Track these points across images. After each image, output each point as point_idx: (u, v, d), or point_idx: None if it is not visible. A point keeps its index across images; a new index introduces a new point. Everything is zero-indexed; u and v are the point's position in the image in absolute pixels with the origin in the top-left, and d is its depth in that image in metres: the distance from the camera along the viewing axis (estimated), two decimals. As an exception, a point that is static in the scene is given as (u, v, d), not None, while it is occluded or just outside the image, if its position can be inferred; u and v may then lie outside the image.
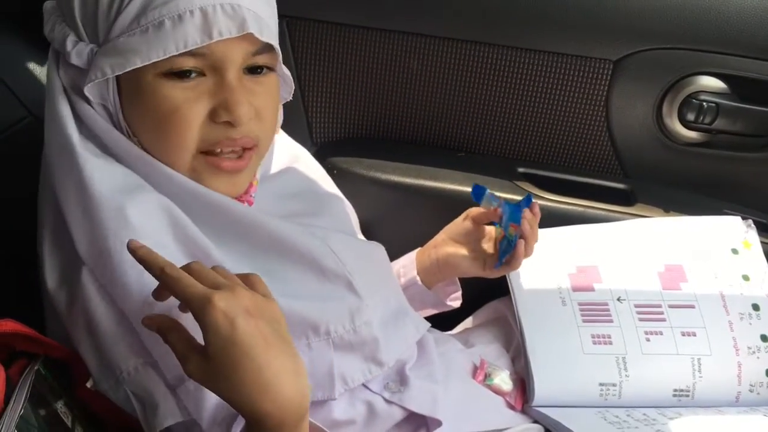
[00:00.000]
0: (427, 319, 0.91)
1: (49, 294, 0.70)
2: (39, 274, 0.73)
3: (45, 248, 0.71)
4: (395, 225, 0.97)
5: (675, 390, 0.91)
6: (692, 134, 1.11)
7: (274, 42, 0.69)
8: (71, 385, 0.70)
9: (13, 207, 0.79)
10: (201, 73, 0.67)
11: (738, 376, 0.92)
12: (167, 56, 0.64)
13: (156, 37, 0.64)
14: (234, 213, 0.71)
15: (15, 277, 0.83)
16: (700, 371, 0.91)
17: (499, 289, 0.99)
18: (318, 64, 1.14)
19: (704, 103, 1.08)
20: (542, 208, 1.10)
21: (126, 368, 0.65)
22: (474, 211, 0.94)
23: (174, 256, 0.67)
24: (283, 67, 0.74)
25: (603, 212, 1.10)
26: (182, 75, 0.66)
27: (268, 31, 0.68)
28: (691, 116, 1.09)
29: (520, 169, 1.16)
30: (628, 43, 1.07)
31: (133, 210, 0.66)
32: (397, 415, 0.79)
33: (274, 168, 0.85)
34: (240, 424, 0.65)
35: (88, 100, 0.69)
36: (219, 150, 0.69)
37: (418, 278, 0.96)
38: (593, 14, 1.06)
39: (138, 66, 0.65)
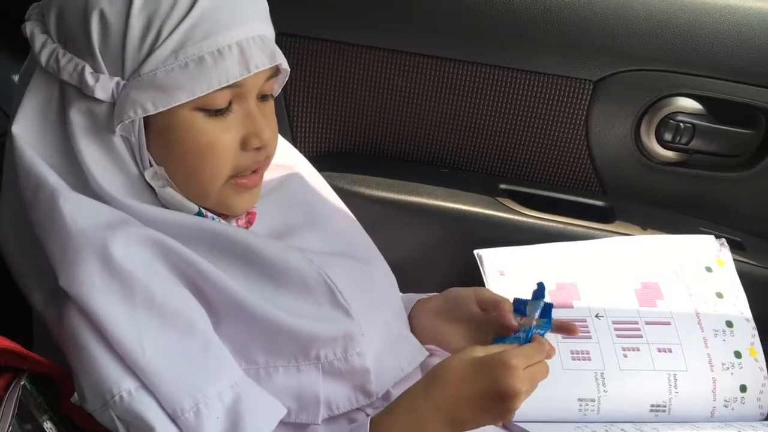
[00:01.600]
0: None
1: (36, 312, 0.70)
2: (20, 284, 0.72)
3: (26, 260, 0.71)
4: (378, 240, 0.98)
5: (652, 405, 0.93)
6: (669, 154, 1.14)
7: (286, 66, 0.72)
8: (57, 401, 0.69)
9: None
10: (228, 107, 0.69)
11: (713, 392, 0.94)
12: (211, 90, 0.66)
13: (199, 73, 0.65)
14: (228, 237, 0.72)
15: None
16: (676, 387, 0.93)
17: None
18: (303, 79, 1.15)
19: (681, 124, 1.11)
20: (523, 225, 1.13)
21: (118, 392, 0.63)
22: (484, 295, 0.85)
23: (168, 279, 0.67)
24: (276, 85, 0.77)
25: (582, 229, 1.12)
26: (218, 111, 0.68)
27: (280, 56, 0.70)
28: (668, 136, 1.12)
29: (502, 186, 1.17)
30: (608, 64, 1.10)
31: (116, 244, 0.65)
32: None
33: (274, 176, 0.85)
34: None
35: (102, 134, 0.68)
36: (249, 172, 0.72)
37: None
38: (574, 35, 1.08)
39: (183, 102, 0.66)
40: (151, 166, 0.70)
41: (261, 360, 0.71)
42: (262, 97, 0.73)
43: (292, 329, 0.71)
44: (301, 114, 1.18)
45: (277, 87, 0.76)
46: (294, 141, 1.18)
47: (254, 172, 0.73)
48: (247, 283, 0.70)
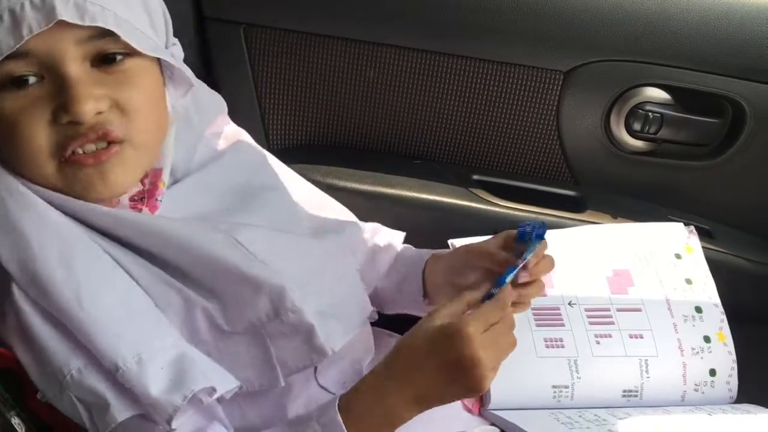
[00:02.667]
0: (386, 323, 0.92)
1: None
2: None
3: None
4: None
5: (624, 391, 0.94)
6: (638, 143, 1.16)
7: (113, 26, 0.63)
8: (22, 397, 0.69)
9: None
10: (41, 78, 0.64)
11: (683, 376, 0.95)
12: None
13: None
14: (119, 219, 0.69)
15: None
16: (647, 372, 0.95)
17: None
18: (275, 71, 1.14)
19: (649, 114, 1.12)
20: (495, 215, 1.14)
21: (68, 371, 0.63)
22: (481, 249, 0.85)
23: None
24: (165, 54, 0.69)
25: (554, 218, 1.13)
26: (19, 83, 0.63)
27: (104, 15, 0.63)
28: (637, 126, 1.13)
29: (475, 177, 1.18)
30: (578, 54, 1.11)
31: (49, 211, 0.65)
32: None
33: (207, 159, 0.81)
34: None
35: None
36: (81, 151, 0.65)
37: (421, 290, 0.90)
38: (544, 26, 1.09)
39: None
40: None
41: (209, 338, 0.70)
42: (106, 60, 0.65)
43: (214, 301, 0.70)
44: (273, 106, 1.17)
45: (133, 43, 0.65)
46: (266, 133, 1.18)
47: (108, 145, 0.66)
48: (154, 270, 0.69)
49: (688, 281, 1.02)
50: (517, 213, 1.14)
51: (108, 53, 0.65)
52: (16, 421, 0.63)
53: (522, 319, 0.97)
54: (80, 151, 0.65)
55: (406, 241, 1.15)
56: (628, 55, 1.10)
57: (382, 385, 0.69)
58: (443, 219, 1.14)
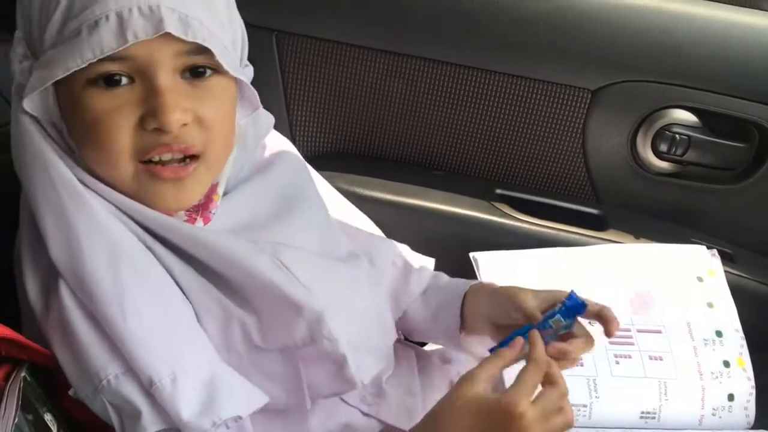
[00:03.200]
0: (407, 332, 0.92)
1: (28, 301, 0.70)
2: (17, 280, 0.72)
3: (25, 255, 0.70)
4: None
5: (642, 412, 0.94)
6: (664, 164, 1.16)
7: (211, 44, 0.65)
8: (55, 393, 0.69)
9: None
10: (132, 80, 0.65)
11: (702, 400, 0.95)
12: (85, 64, 0.62)
13: (75, 46, 0.62)
14: (173, 228, 0.70)
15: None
16: (666, 394, 0.95)
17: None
18: (305, 79, 1.15)
19: (677, 136, 1.12)
20: (516, 230, 1.14)
21: (105, 376, 0.64)
22: (524, 305, 0.80)
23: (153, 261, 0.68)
24: (240, 74, 0.70)
25: (576, 236, 1.13)
26: (110, 82, 0.64)
27: (201, 31, 0.64)
28: (663, 147, 1.13)
29: (498, 191, 1.19)
30: (607, 74, 1.11)
31: (101, 213, 0.66)
32: (375, 428, 0.81)
33: (251, 170, 0.82)
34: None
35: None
36: (158, 158, 0.66)
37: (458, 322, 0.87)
38: (575, 45, 1.10)
39: (60, 77, 0.63)
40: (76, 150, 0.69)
41: (242, 350, 0.71)
42: (194, 73, 0.67)
43: (253, 318, 0.70)
44: (301, 113, 1.19)
45: (223, 62, 0.66)
46: (293, 140, 1.18)
47: (183, 165, 0.67)
48: (201, 281, 0.70)
49: (710, 305, 1.02)
50: (538, 229, 1.14)
51: (197, 68, 0.67)
52: (48, 417, 0.63)
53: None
54: (157, 158, 0.66)
55: (427, 251, 1.16)
56: (658, 77, 1.11)
57: None
58: (464, 231, 1.14)
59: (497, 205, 1.16)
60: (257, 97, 0.74)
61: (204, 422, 0.64)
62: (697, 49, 1.08)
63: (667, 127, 1.13)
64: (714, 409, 0.95)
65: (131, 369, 0.65)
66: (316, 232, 0.81)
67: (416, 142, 1.20)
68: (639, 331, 0.98)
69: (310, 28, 1.13)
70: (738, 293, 1.05)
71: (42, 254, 0.68)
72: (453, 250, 1.12)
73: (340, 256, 0.83)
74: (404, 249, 0.96)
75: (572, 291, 0.76)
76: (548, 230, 1.14)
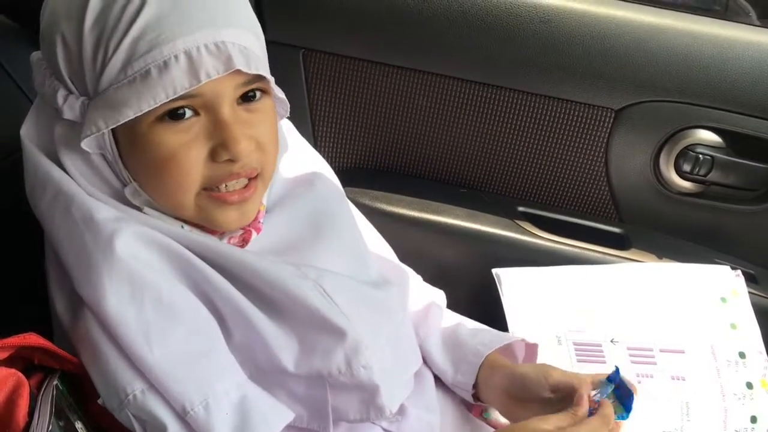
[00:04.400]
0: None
1: (56, 314, 0.71)
2: (49, 285, 0.73)
3: (51, 269, 0.72)
4: (398, 257, 1.00)
5: (663, 432, 0.94)
6: (687, 184, 1.16)
7: (264, 71, 0.67)
8: (83, 399, 0.71)
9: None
10: (195, 113, 0.66)
11: (724, 422, 0.95)
12: (158, 104, 0.63)
13: (145, 87, 0.63)
14: (220, 252, 0.71)
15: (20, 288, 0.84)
16: (688, 415, 0.94)
17: (496, 322, 1.02)
18: (330, 95, 1.17)
19: (700, 156, 1.12)
20: (539, 248, 1.15)
21: (132, 391, 0.65)
22: (557, 379, 0.80)
23: (176, 280, 0.68)
24: (276, 88, 0.72)
25: (598, 254, 1.14)
26: (176, 117, 0.65)
27: (256, 60, 0.66)
28: (687, 167, 1.14)
29: (521, 208, 1.19)
30: (630, 93, 1.12)
31: (123, 243, 0.66)
32: (395, 444, 0.81)
33: (287, 187, 0.83)
34: None
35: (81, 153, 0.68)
36: (223, 186, 0.69)
37: (471, 389, 0.87)
38: (598, 64, 1.10)
39: (130, 118, 0.63)
40: (130, 182, 0.70)
41: (270, 368, 0.71)
42: (246, 99, 0.69)
43: (289, 343, 0.71)
44: (325, 128, 1.20)
45: (271, 86, 0.70)
46: (318, 155, 1.20)
47: (245, 187, 0.70)
48: (243, 303, 0.70)
49: (733, 326, 1.01)
50: (561, 247, 1.14)
51: (249, 92, 0.69)
52: (79, 425, 0.65)
53: (563, 353, 0.98)
54: (224, 186, 0.69)
55: (450, 268, 1.17)
56: (681, 97, 1.11)
57: None
58: (487, 249, 1.15)
59: (520, 222, 1.16)
60: (288, 108, 0.77)
61: None
62: (722, 69, 1.09)
63: (690, 147, 1.13)
64: (736, 430, 0.95)
65: (154, 385, 0.65)
66: (349, 255, 0.82)
67: (440, 159, 1.21)
68: (661, 351, 0.98)
69: (335, 46, 1.14)
70: (761, 314, 1.05)
71: (66, 277, 0.68)
72: (476, 267, 1.13)
73: (372, 280, 0.83)
74: (418, 279, 0.98)
75: (616, 371, 0.79)
76: (571, 248, 1.14)
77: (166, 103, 0.63)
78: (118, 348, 0.66)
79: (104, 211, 0.68)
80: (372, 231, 0.96)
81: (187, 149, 0.66)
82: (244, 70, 0.65)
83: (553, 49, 1.10)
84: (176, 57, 0.62)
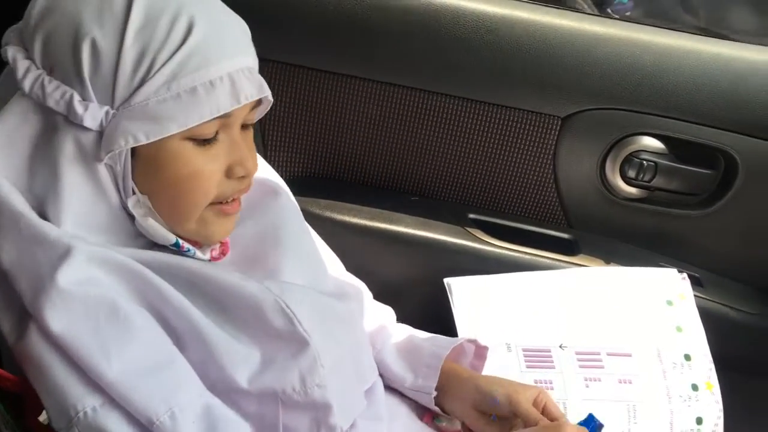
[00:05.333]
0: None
1: (2, 334, 0.69)
2: None
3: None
4: (348, 266, 1.00)
5: (612, 435, 0.95)
6: (632, 190, 1.18)
7: (270, 95, 0.73)
8: (23, 421, 0.69)
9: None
10: (216, 134, 0.70)
11: (670, 423, 0.97)
12: (203, 121, 0.66)
13: (191, 104, 0.65)
14: (184, 266, 0.71)
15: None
16: (635, 417, 0.96)
17: (448, 331, 1.02)
18: (279, 104, 1.16)
19: (644, 162, 1.15)
20: (489, 255, 1.16)
21: (82, 408, 0.63)
22: (520, 408, 0.83)
23: (130, 300, 0.67)
24: None
25: (548, 260, 1.15)
26: (206, 141, 0.69)
27: (267, 88, 0.71)
28: (632, 173, 1.16)
29: (471, 215, 1.20)
30: (576, 102, 1.13)
31: (73, 269, 0.65)
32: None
33: (251, 197, 0.83)
34: None
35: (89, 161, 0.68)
36: (230, 198, 0.73)
37: (433, 392, 0.89)
38: (544, 73, 1.12)
39: (174, 132, 0.66)
40: (134, 194, 0.70)
41: (221, 386, 0.71)
42: (244, 126, 0.73)
43: (247, 358, 0.71)
44: (275, 137, 1.19)
45: (257, 116, 0.76)
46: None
47: (234, 199, 0.74)
48: (203, 313, 0.70)
49: (679, 329, 1.03)
50: (510, 253, 1.15)
51: (248, 123, 0.73)
52: (16, 443, 0.63)
53: (512, 359, 0.98)
54: (230, 198, 0.73)
55: (401, 277, 1.17)
56: (625, 105, 1.13)
57: None
58: (438, 257, 1.15)
59: (471, 230, 1.17)
60: None
61: None
62: (664, 77, 1.11)
63: (635, 153, 1.15)
64: (683, 432, 0.97)
65: (113, 401, 0.64)
66: (309, 267, 0.83)
67: (390, 167, 1.21)
68: (609, 354, 1.00)
69: (285, 55, 1.14)
70: (706, 317, 1.07)
71: (14, 296, 0.67)
72: (427, 276, 1.14)
73: (333, 291, 0.84)
74: (369, 296, 0.99)
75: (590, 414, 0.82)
76: (520, 255, 1.15)
77: (204, 122, 0.66)
78: (69, 366, 0.64)
79: (56, 229, 0.66)
80: (322, 243, 0.96)
81: (210, 166, 0.70)
82: (269, 98, 0.71)
83: (499, 58, 1.11)
84: (221, 78, 0.66)
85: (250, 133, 0.75)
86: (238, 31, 0.70)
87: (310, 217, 0.98)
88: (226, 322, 0.71)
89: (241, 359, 0.70)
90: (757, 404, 1.13)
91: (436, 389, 0.88)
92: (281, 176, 1.16)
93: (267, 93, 0.70)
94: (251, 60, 0.70)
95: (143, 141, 0.65)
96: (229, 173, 0.71)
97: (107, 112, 0.66)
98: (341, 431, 0.75)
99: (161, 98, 0.65)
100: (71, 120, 0.66)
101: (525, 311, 1.04)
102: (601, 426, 0.80)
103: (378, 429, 0.83)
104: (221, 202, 0.72)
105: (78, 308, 0.64)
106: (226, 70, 0.66)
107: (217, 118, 0.67)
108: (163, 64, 0.65)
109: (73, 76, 0.66)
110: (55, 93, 0.66)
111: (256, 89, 0.68)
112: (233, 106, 0.67)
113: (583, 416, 0.92)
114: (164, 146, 0.67)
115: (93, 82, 0.66)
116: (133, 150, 0.68)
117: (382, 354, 0.92)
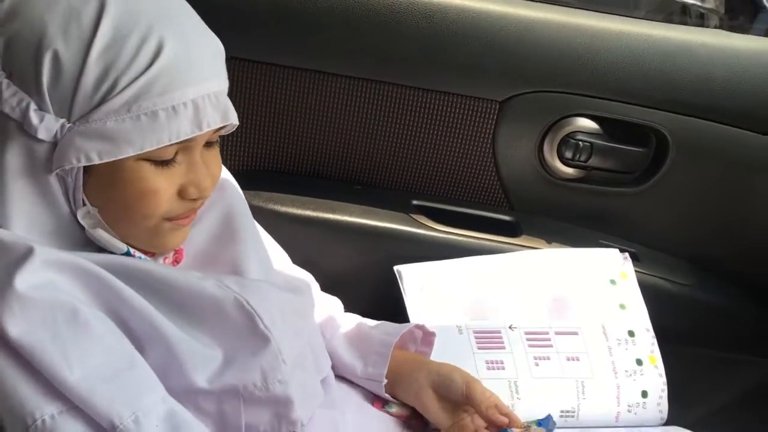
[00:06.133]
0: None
1: None
2: None
3: None
4: (295, 258, 0.98)
5: (562, 411, 0.97)
6: (570, 171, 1.20)
7: (235, 119, 0.71)
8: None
9: None
10: (175, 155, 0.68)
11: (617, 397, 1.00)
12: (160, 146, 0.64)
13: (150, 128, 0.64)
14: (142, 269, 0.70)
15: None
16: (583, 393, 0.98)
17: (398, 317, 1.03)
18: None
19: (580, 143, 1.17)
20: (434, 240, 1.16)
21: (40, 416, 0.61)
22: (474, 395, 0.84)
23: (89, 304, 0.66)
24: None
25: (492, 243, 1.17)
26: (164, 162, 0.67)
27: (233, 110, 0.70)
28: (568, 154, 1.18)
29: (414, 202, 1.20)
30: (512, 85, 1.15)
31: (29, 274, 0.63)
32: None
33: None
34: None
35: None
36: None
37: (384, 379, 0.89)
38: (480, 58, 1.12)
39: (130, 155, 0.64)
40: (84, 205, 0.68)
41: (181, 387, 0.70)
42: (208, 144, 0.72)
43: (208, 358, 0.70)
44: (212, 131, 1.17)
45: (223, 133, 0.74)
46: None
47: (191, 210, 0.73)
48: (163, 314, 0.70)
49: (622, 306, 1.07)
50: (455, 237, 1.16)
51: (213, 141, 0.72)
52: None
53: (464, 341, 0.99)
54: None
55: (349, 266, 1.16)
56: (560, 87, 1.15)
57: None
58: (384, 244, 1.16)
59: (415, 216, 1.18)
60: None
61: None
62: (597, 59, 1.13)
63: (571, 134, 1.17)
64: (629, 405, 1.00)
65: (74, 407, 0.62)
66: (260, 260, 0.83)
67: (332, 157, 1.20)
68: (557, 333, 1.02)
69: (227, 48, 1.11)
70: (644, 290, 1.11)
71: None
72: (374, 263, 1.14)
73: (282, 284, 0.83)
74: (316, 287, 0.99)
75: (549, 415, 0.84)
76: (465, 239, 1.16)
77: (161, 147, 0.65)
78: (27, 373, 0.62)
79: (11, 233, 0.65)
80: (267, 236, 0.95)
81: (164, 186, 0.68)
82: (234, 122, 0.69)
83: (435, 44, 1.11)
84: (185, 104, 0.64)
85: (215, 150, 0.73)
86: (208, 52, 0.68)
87: (254, 210, 0.96)
88: (186, 323, 0.70)
89: (202, 360, 0.70)
90: (696, 373, 1.17)
91: (387, 376, 0.88)
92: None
93: (232, 120, 0.68)
94: (221, 83, 0.68)
95: (96, 161, 0.64)
96: (182, 193, 0.69)
97: (63, 125, 0.64)
98: (302, 425, 0.75)
99: (120, 118, 0.63)
100: (25, 129, 0.64)
101: (474, 294, 1.05)
102: (554, 425, 0.82)
103: (332, 416, 0.83)
104: (171, 218, 0.70)
105: (36, 313, 0.62)
106: (191, 96, 0.65)
107: (176, 142, 0.66)
108: (127, 86, 0.63)
109: (31, 85, 0.64)
110: (12, 99, 0.64)
111: (220, 116, 0.67)
112: (194, 133, 0.65)
113: (534, 395, 0.94)
114: (119, 165, 0.65)
115: (51, 94, 0.64)
116: (87, 165, 0.66)
117: (332, 344, 0.92)
